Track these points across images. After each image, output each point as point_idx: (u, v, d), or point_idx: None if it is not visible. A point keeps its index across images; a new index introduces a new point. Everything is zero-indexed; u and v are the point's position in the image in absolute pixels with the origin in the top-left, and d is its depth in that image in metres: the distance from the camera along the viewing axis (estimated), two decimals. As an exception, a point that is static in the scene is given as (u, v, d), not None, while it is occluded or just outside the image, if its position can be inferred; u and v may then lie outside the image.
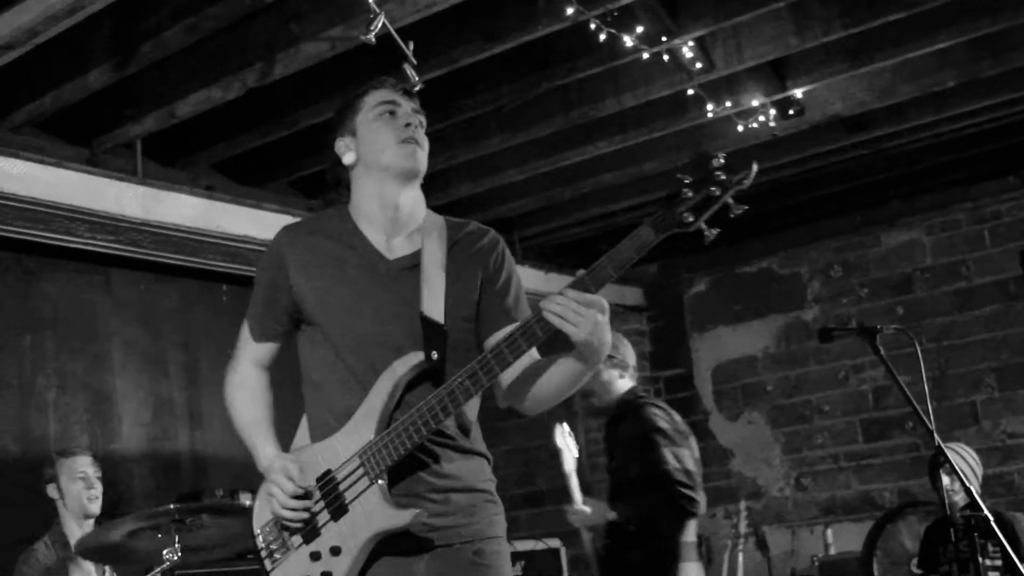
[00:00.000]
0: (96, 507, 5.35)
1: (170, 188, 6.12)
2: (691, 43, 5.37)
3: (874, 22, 5.27)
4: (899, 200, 8.20)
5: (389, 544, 2.68)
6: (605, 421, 5.33)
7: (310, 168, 6.51)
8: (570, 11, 4.79)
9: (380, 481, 2.66)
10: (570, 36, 5.25)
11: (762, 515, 8.50)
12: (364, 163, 2.86)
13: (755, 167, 2.43)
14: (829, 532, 7.85)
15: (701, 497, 4.96)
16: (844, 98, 6.27)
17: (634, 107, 6.11)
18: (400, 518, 2.63)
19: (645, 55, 5.25)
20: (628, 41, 5.11)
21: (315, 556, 2.74)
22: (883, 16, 5.22)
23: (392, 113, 2.86)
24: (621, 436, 5.14)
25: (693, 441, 5.17)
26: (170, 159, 6.32)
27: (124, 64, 5.01)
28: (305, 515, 2.72)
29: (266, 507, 2.85)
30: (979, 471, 5.81)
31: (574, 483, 5.15)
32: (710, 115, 6.08)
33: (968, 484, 4.25)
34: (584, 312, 2.48)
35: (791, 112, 6.25)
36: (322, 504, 2.73)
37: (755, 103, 6.05)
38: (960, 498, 5.33)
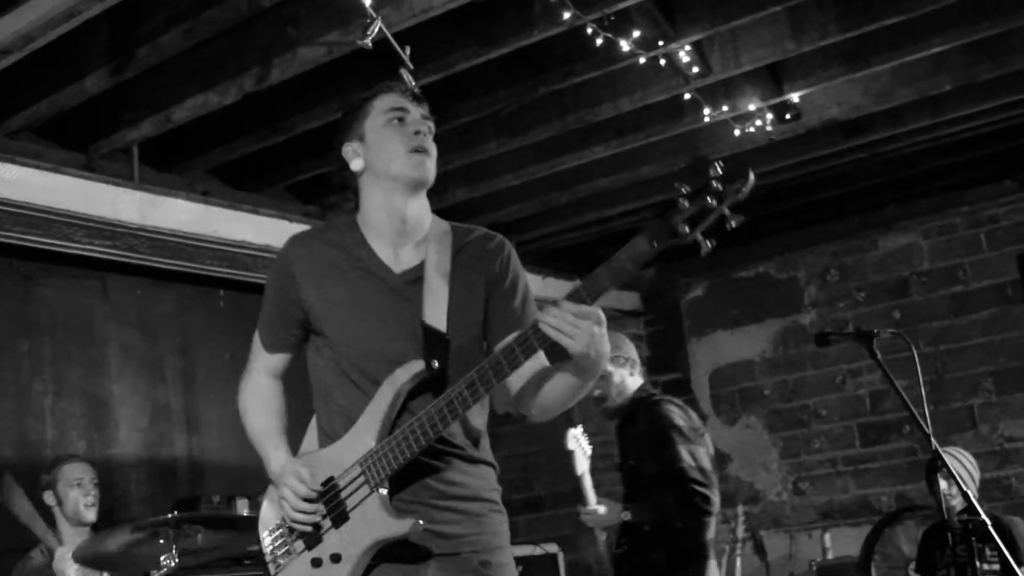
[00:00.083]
0: (92, 514, 5.34)
1: (167, 193, 6.12)
2: (688, 47, 5.37)
3: (870, 26, 5.27)
4: (896, 204, 8.21)
5: (394, 552, 2.68)
6: (617, 421, 5.27)
7: (307, 173, 6.51)
8: (567, 16, 4.79)
9: (381, 490, 2.67)
10: (567, 41, 5.25)
11: (760, 519, 8.50)
12: (372, 171, 2.85)
13: (752, 177, 2.37)
14: (827, 536, 7.84)
15: (716, 495, 4.95)
16: (841, 102, 6.27)
17: (631, 111, 6.11)
18: (399, 527, 2.64)
19: (642, 59, 5.25)
20: (625, 46, 5.11)
21: (316, 562, 2.75)
22: (879, 20, 5.22)
23: (401, 120, 2.84)
24: (636, 434, 5.11)
25: (708, 439, 5.15)
26: (167, 164, 6.31)
27: (121, 69, 5.00)
28: (317, 518, 2.73)
29: (273, 512, 2.87)
30: (976, 475, 5.81)
31: (588, 484, 5.12)
32: (707, 119, 6.08)
33: (965, 488, 4.25)
34: (580, 324, 2.47)
35: (788, 116, 6.25)
36: (324, 510, 2.74)
37: (752, 107, 6.05)
38: (958, 502, 5.34)
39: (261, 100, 5.45)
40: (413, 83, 4.42)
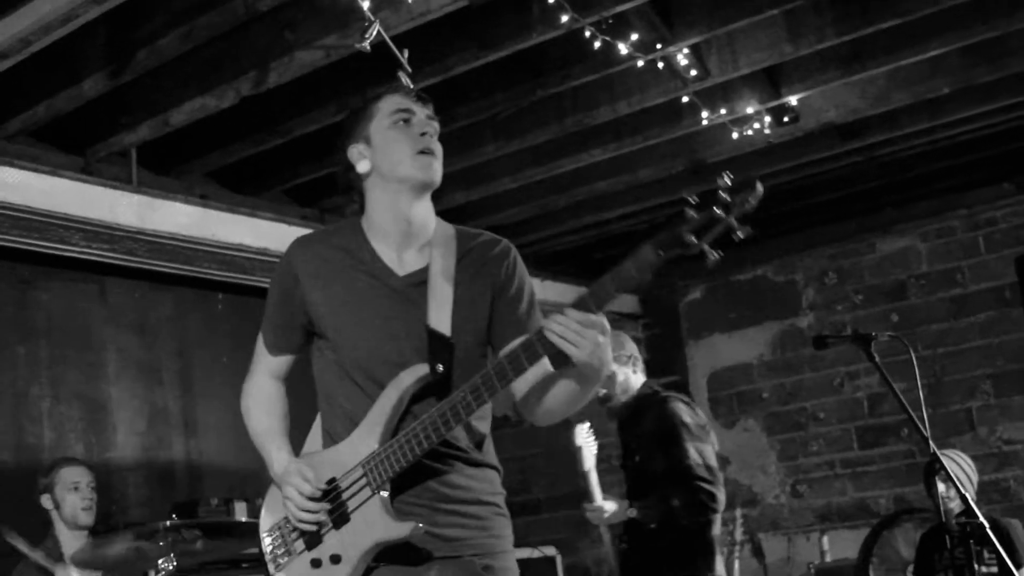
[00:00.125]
0: (90, 517, 5.34)
1: (165, 197, 6.11)
2: (686, 50, 5.37)
3: (868, 29, 5.27)
4: (894, 207, 8.21)
5: (396, 554, 2.68)
6: (621, 419, 5.25)
7: (305, 176, 6.51)
8: (564, 19, 4.79)
9: (382, 492, 2.67)
10: (564, 44, 5.25)
11: (758, 522, 8.50)
12: (379, 173, 2.84)
13: (760, 188, 2.35)
14: (825, 539, 7.84)
15: (722, 493, 4.95)
16: (838, 105, 6.27)
17: (629, 115, 6.11)
18: (399, 529, 2.64)
19: (640, 63, 5.26)
20: (623, 49, 5.11)
21: (316, 563, 2.76)
22: (877, 23, 5.22)
23: (407, 121, 2.84)
24: (642, 430, 5.09)
25: (714, 437, 5.16)
26: (164, 168, 6.31)
27: (118, 72, 5.00)
28: (322, 517, 2.73)
29: (273, 511, 2.88)
30: (975, 478, 5.81)
31: (594, 480, 5.10)
32: (705, 122, 6.08)
33: (964, 491, 4.25)
34: (585, 333, 2.48)
35: (785, 119, 6.25)
36: (329, 510, 2.74)
37: (749, 110, 6.06)
38: (956, 505, 5.33)
39: (259, 104, 5.45)
40: (411, 86, 4.42)
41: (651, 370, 8.94)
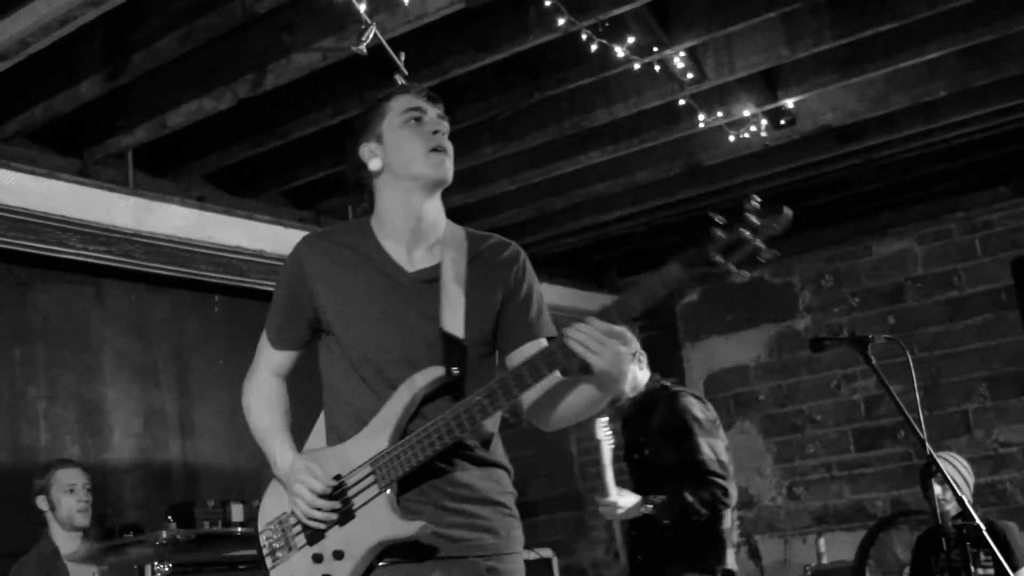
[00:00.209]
0: (85, 519, 5.34)
1: (162, 199, 6.11)
2: (682, 53, 5.37)
3: (865, 32, 5.28)
4: (890, 210, 8.22)
5: (399, 552, 2.69)
6: (627, 414, 5.22)
7: (302, 178, 6.51)
8: (561, 22, 4.79)
9: (389, 491, 2.67)
10: (561, 47, 5.25)
11: (754, 524, 8.51)
12: (391, 171, 2.85)
13: (788, 212, 2.39)
14: (821, 541, 7.84)
15: (734, 488, 4.95)
16: (835, 108, 6.28)
17: (626, 117, 6.12)
18: (406, 528, 2.64)
19: (637, 65, 5.26)
20: (619, 52, 5.12)
21: (317, 558, 2.76)
22: (874, 26, 5.23)
23: (418, 120, 2.85)
24: (652, 425, 5.08)
25: (723, 432, 5.16)
26: (162, 170, 6.31)
27: (116, 74, 5.00)
28: (333, 516, 2.73)
29: (273, 506, 2.88)
30: (971, 480, 5.81)
31: (609, 475, 5.05)
32: (701, 125, 6.09)
33: (960, 493, 4.25)
34: (607, 342, 2.50)
35: (782, 122, 6.26)
36: (339, 507, 2.74)
37: (746, 113, 6.06)
38: (952, 507, 5.34)
39: (256, 106, 5.45)
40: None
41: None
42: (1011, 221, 7.82)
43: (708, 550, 4.95)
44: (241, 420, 3.00)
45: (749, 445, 8.63)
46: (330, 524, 2.74)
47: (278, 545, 2.84)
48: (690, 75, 5.53)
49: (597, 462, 5.16)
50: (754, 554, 7.98)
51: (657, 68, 5.40)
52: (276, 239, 6.48)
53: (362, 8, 4.38)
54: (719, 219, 2.40)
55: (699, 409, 5.06)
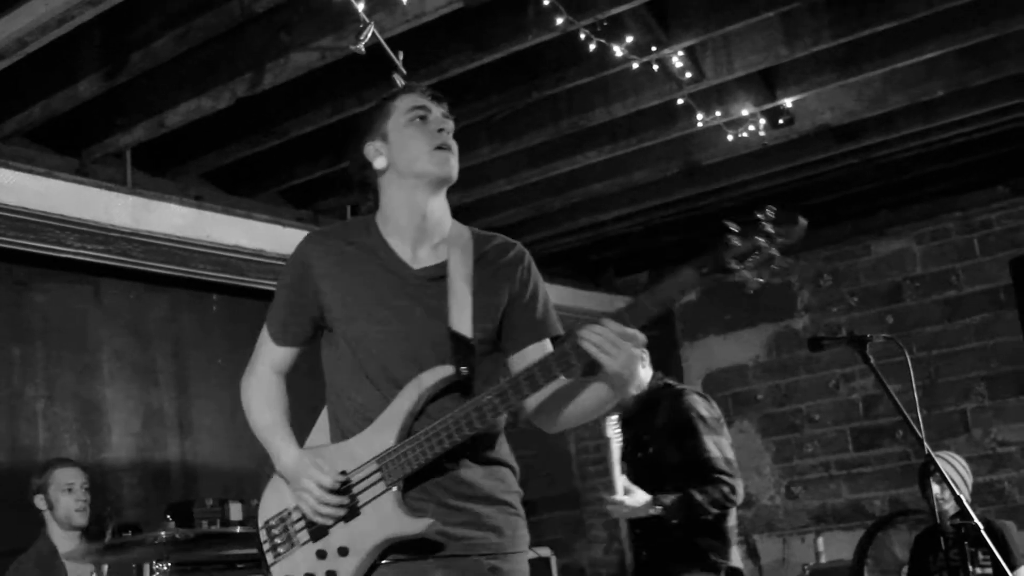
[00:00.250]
0: (84, 519, 5.34)
1: (160, 198, 6.11)
2: (681, 53, 5.37)
3: (863, 32, 5.28)
4: (889, 209, 8.23)
5: (402, 550, 2.68)
6: (629, 412, 5.18)
7: (300, 178, 6.51)
8: (560, 21, 4.79)
9: (396, 488, 2.67)
10: (560, 46, 5.25)
11: (753, 524, 8.51)
12: (396, 170, 2.85)
13: (803, 222, 2.45)
14: (820, 540, 7.85)
15: (741, 486, 4.96)
16: (834, 107, 6.28)
17: (624, 117, 6.12)
18: (413, 526, 2.65)
19: (635, 65, 5.25)
20: (618, 51, 5.11)
21: (321, 554, 2.76)
22: (872, 26, 5.23)
23: (423, 118, 2.86)
24: (657, 422, 5.07)
25: (727, 430, 5.16)
26: (160, 169, 6.31)
27: (114, 74, 5.00)
28: (340, 512, 2.72)
29: (274, 501, 2.87)
30: (969, 479, 5.81)
31: (618, 473, 5.03)
32: (700, 125, 6.08)
33: (958, 492, 4.26)
34: (620, 344, 2.51)
35: (781, 122, 6.26)
36: (347, 503, 2.74)
37: (745, 112, 6.06)
38: (950, 506, 5.34)
39: (254, 105, 5.45)
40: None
41: (647, 372, 8.99)
42: (1009, 221, 7.83)
43: (713, 548, 4.94)
44: (240, 419, 2.99)
45: (747, 444, 8.63)
46: (335, 520, 2.73)
47: (279, 541, 2.84)
48: (688, 74, 5.53)
49: (601, 460, 5.15)
50: (752, 553, 7.98)
51: (655, 68, 5.40)
52: (274, 238, 6.47)
53: (360, 7, 4.38)
54: (734, 227, 2.44)
55: (704, 407, 5.06)
